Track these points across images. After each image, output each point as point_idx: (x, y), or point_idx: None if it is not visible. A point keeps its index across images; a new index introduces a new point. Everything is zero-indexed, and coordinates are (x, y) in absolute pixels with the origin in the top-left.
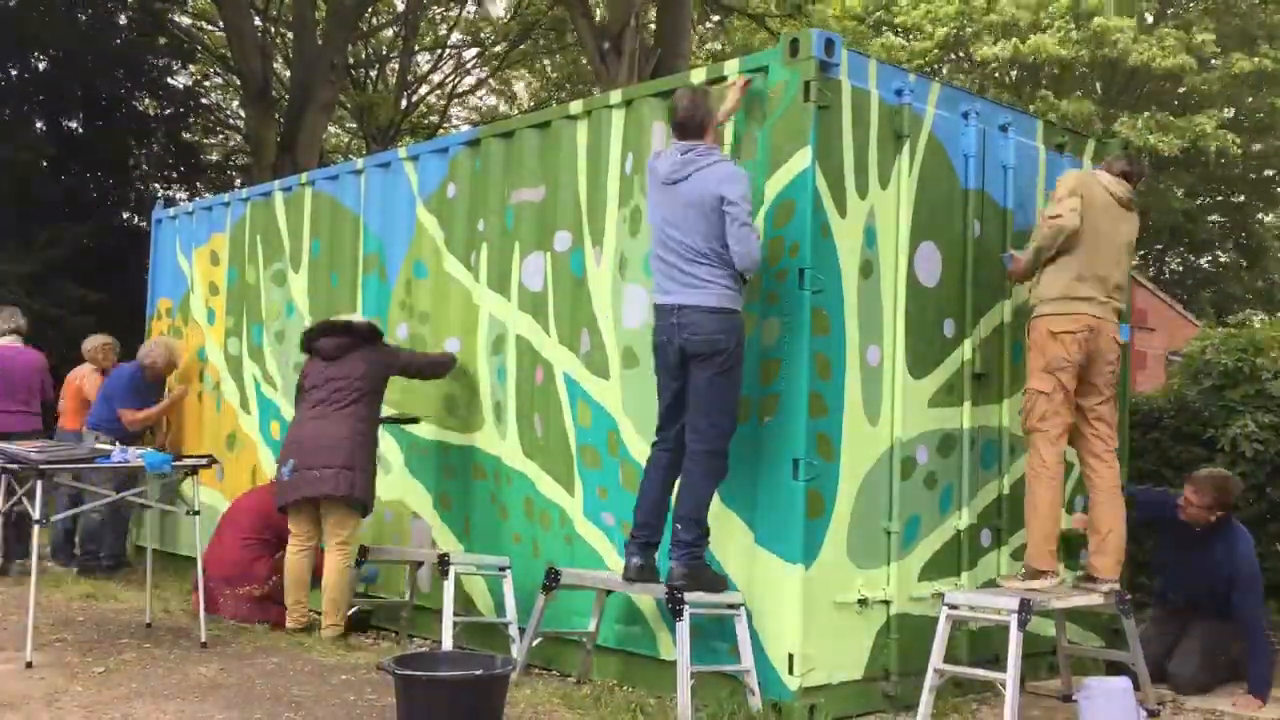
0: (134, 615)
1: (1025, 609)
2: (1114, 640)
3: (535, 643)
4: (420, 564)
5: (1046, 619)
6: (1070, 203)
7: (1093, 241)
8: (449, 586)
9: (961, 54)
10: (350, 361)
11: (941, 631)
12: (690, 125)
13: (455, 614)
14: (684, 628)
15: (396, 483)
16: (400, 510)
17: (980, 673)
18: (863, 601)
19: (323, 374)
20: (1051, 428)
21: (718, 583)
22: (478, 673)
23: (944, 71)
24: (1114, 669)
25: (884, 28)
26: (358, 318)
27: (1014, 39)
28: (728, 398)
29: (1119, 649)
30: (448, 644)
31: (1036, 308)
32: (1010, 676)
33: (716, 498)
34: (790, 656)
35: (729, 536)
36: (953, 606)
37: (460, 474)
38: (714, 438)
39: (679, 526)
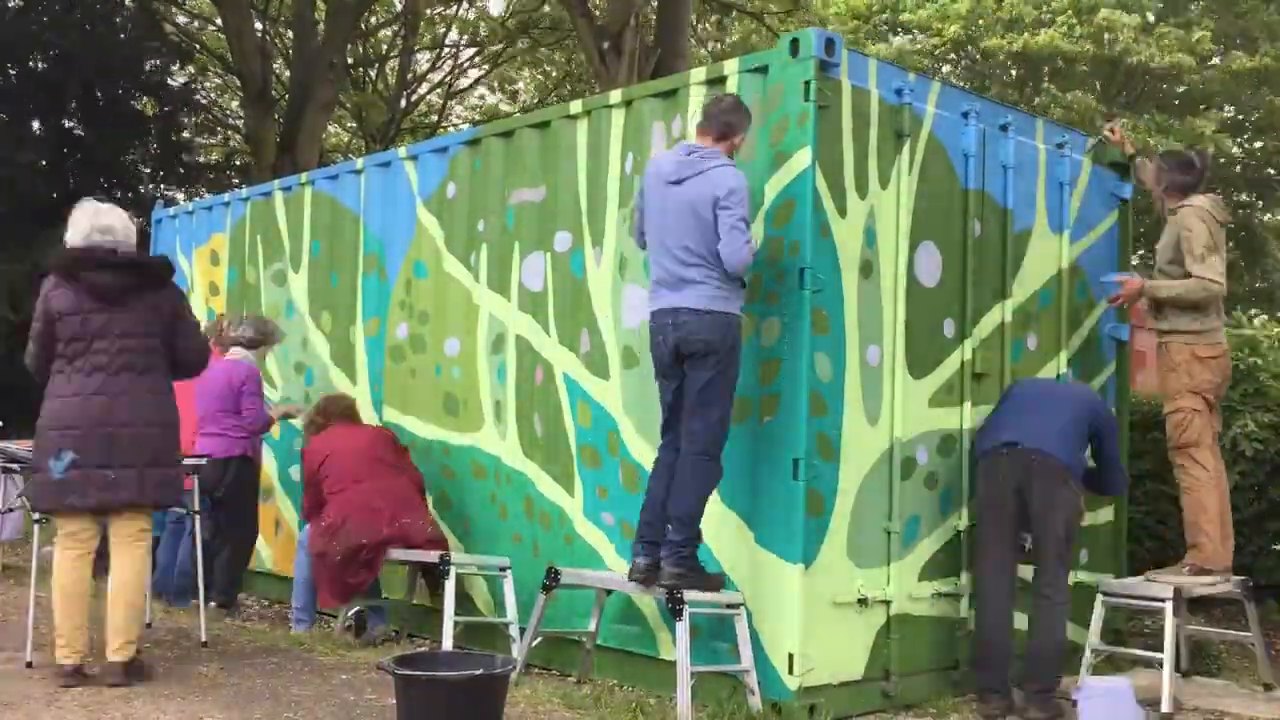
0: None
1: (1179, 595)
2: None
3: (535, 643)
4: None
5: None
6: (1218, 264)
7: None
8: (449, 586)
9: (970, 50)
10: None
11: (1098, 614)
12: (710, 122)
13: (455, 614)
14: (683, 628)
15: None
16: None
17: (1136, 652)
18: (863, 601)
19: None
20: (1208, 439)
21: (713, 581)
22: (477, 672)
23: (947, 70)
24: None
25: (889, 28)
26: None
27: (1023, 34)
28: (723, 400)
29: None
30: (448, 644)
31: (1175, 332)
32: (1167, 657)
33: (716, 497)
34: (790, 656)
35: (729, 536)
36: (1108, 594)
37: (460, 474)
38: (707, 441)
39: (670, 527)
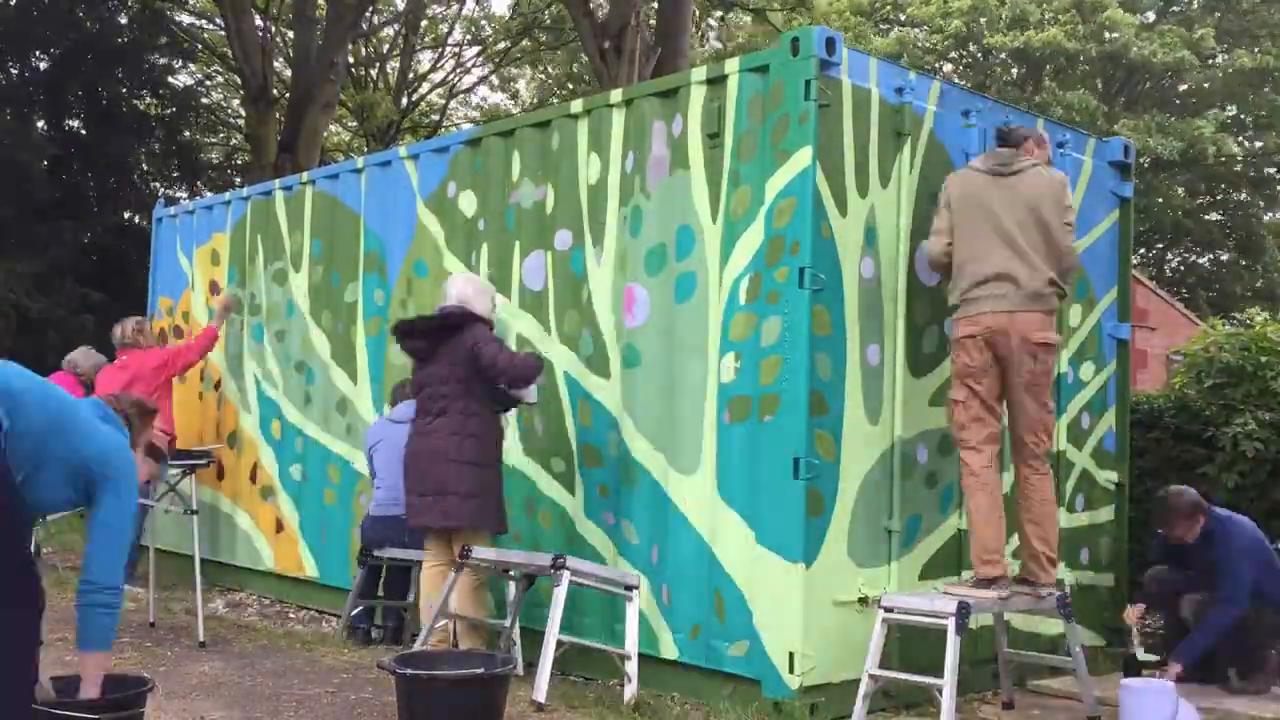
0: (136, 614)
1: (964, 612)
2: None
3: (438, 624)
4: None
5: (1052, 618)
6: (937, 222)
7: (977, 233)
8: (450, 586)
9: (973, 47)
10: (440, 361)
11: (878, 636)
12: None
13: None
14: (561, 591)
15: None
16: None
17: (917, 679)
18: (863, 600)
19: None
20: (975, 435)
21: None
22: (479, 671)
23: (948, 69)
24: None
25: (888, 24)
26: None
27: (1027, 31)
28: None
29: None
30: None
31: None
32: (947, 684)
33: (716, 495)
34: (791, 655)
35: (729, 536)
36: (889, 609)
37: None
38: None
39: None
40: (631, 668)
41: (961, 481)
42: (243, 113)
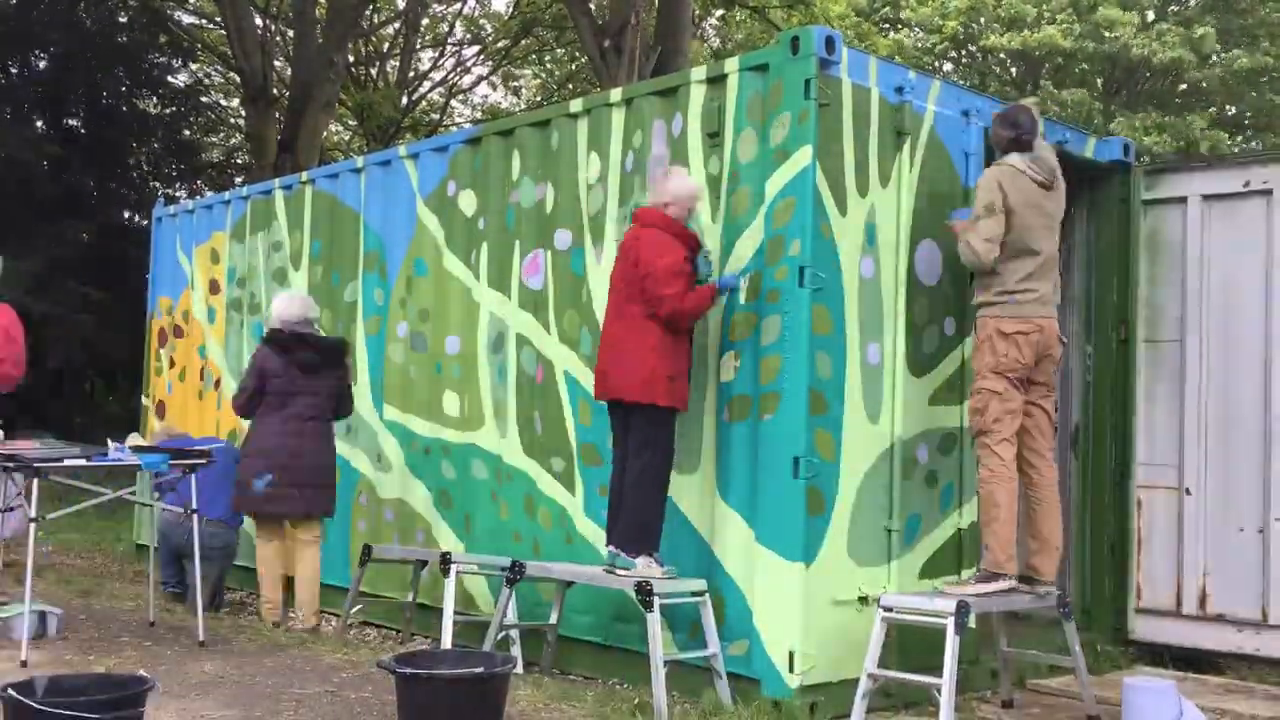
0: (135, 614)
1: (963, 612)
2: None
3: (500, 636)
4: (424, 563)
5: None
6: (992, 227)
7: (1032, 238)
8: (450, 585)
9: (971, 48)
10: (325, 378)
11: (877, 634)
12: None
13: (455, 613)
14: (655, 619)
15: (397, 481)
16: (400, 509)
17: (917, 678)
18: (863, 600)
19: (302, 384)
20: (1005, 428)
21: None
22: (478, 671)
23: (947, 68)
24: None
25: (889, 24)
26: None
27: (1023, 32)
28: None
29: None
30: (447, 643)
31: (982, 305)
32: (947, 683)
33: (716, 495)
34: (790, 654)
35: (729, 535)
36: (888, 609)
37: (461, 472)
38: None
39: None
40: (719, 664)
41: (983, 475)
42: (243, 112)
